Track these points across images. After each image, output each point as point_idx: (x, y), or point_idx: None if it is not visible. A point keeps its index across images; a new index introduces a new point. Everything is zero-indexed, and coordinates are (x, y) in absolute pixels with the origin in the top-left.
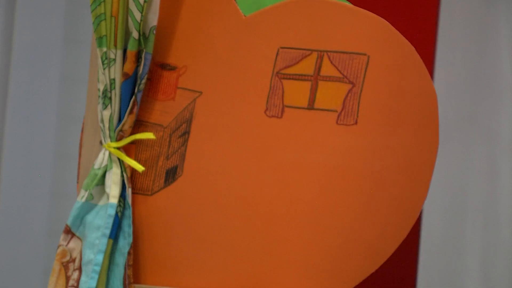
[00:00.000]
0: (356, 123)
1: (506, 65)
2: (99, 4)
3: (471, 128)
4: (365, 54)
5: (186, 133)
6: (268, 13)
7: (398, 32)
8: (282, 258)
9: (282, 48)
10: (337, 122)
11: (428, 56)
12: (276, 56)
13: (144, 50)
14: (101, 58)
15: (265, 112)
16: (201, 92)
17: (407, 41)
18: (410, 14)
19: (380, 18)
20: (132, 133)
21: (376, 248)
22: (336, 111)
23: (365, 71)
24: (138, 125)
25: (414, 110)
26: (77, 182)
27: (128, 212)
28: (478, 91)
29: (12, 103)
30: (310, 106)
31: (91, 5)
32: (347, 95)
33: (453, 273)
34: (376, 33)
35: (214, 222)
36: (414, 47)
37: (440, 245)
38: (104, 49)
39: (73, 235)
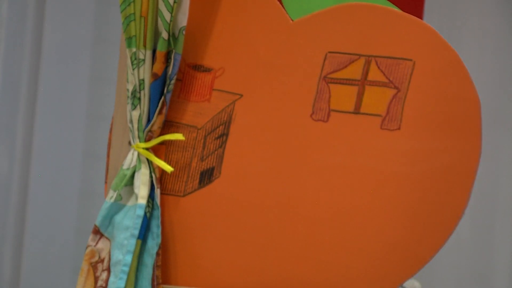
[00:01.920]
0: (399, 128)
1: None
2: (129, 4)
3: (499, 129)
4: (411, 60)
5: (224, 135)
6: (317, 18)
7: (443, 38)
8: (321, 261)
9: (330, 52)
10: (381, 127)
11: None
12: (324, 60)
13: (174, 50)
14: (131, 58)
15: (311, 115)
16: (241, 95)
17: (451, 47)
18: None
19: (426, 24)
20: (162, 134)
21: (415, 254)
22: (381, 116)
23: (410, 76)
24: (169, 126)
25: (457, 116)
26: (105, 182)
27: (157, 213)
28: (507, 91)
29: (42, 102)
30: (356, 111)
31: (120, 5)
32: (391, 100)
33: (482, 274)
34: (422, 39)
35: (252, 224)
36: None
37: (470, 246)
38: (134, 49)
39: (101, 235)
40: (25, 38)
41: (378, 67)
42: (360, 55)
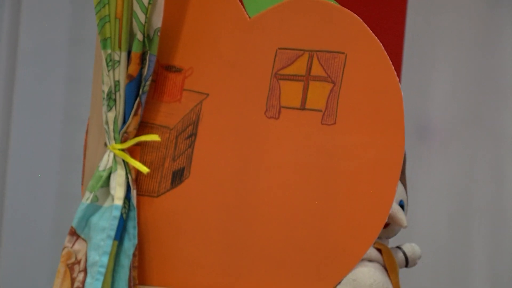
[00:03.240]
0: (335, 123)
1: (511, 65)
2: (103, 6)
3: (476, 128)
4: (343, 53)
5: (193, 135)
6: (269, 14)
7: (367, 27)
8: (274, 258)
9: (280, 49)
10: (321, 122)
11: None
12: (275, 57)
13: (149, 51)
14: (106, 60)
15: (265, 113)
16: (207, 94)
17: (376, 38)
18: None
19: (353, 14)
20: (137, 135)
21: (348, 249)
22: (321, 111)
23: (343, 70)
24: (144, 127)
25: (382, 109)
26: (82, 184)
27: (133, 214)
28: (483, 91)
29: (18, 104)
30: (302, 107)
31: (95, 7)
32: (329, 95)
33: (459, 273)
34: (351, 31)
35: (218, 223)
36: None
37: (446, 245)
38: (109, 51)
39: (78, 236)
40: (1, 41)
41: (319, 62)
42: (304, 50)
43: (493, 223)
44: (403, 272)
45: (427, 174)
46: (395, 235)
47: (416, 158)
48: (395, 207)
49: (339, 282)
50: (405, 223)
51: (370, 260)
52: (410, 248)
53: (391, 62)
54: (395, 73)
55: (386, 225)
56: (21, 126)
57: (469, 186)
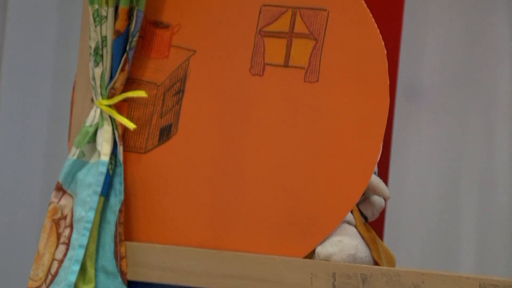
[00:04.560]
0: (317, 80)
1: (503, 27)
2: None
3: (467, 91)
4: (325, 10)
5: (180, 91)
6: None
7: None
8: (256, 215)
9: (264, 5)
10: (304, 80)
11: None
12: (259, 14)
13: (136, 7)
14: (93, 15)
15: (249, 70)
16: (195, 51)
17: None
18: None
19: None
20: (124, 91)
21: (333, 208)
22: (304, 68)
23: (326, 27)
24: (131, 83)
25: (365, 67)
26: (69, 140)
27: (120, 170)
28: (475, 54)
29: (6, 62)
30: (286, 64)
31: None
32: (312, 52)
33: (449, 236)
34: None
35: (205, 179)
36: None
37: (437, 209)
38: (96, 6)
39: (64, 192)
40: None
41: (302, 19)
42: (287, 7)
43: (483, 187)
44: (392, 235)
45: (418, 137)
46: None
47: (406, 120)
48: (376, 179)
49: (322, 242)
50: (388, 193)
51: (348, 222)
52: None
53: (374, 21)
54: (379, 31)
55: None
56: (10, 84)
57: (459, 149)
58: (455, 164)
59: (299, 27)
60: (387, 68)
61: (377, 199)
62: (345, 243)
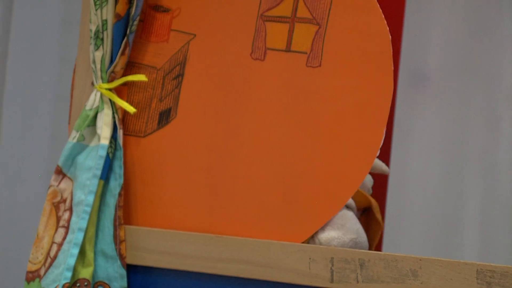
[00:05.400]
0: (320, 65)
1: (508, 12)
2: None
3: (470, 76)
4: None
5: (180, 75)
6: None
7: None
8: (260, 201)
9: None
10: (306, 64)
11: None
12: None
13: None
14: None
15: (250, 54)
16: (195, 35)
17: None
18: None
19: None
20: (124, 75)
21: (335, 191)
22: (306, 53)
23: (329, 12)
24: (131, 67)
25: (368, 52)
26: (69, 123)
27: (119, 154)
28: (479, 39)
29: (13, 48)
30: (288, 49)
31: None
32: (314, 37)
33: (452, 225)
34: None
35: (204, 164)
36: None
37: (440, 194)
38: None
39: (64, 175)
40: None
41: (305, 3)
42: None
43: (486, 172)
44: (396, 221)
45: (421, 122)
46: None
47: (409, 106)
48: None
49: (324, 227)
50: (387, 168)
51: (347, 206)
52: (379, 165)
53: (378, 6)
54: (383, 15)
55: None
56: (16, 69)
57: (462, 135)
58: (458, 149)
59: (302, 12)
60: (391, 52)
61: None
62: (347, 227)
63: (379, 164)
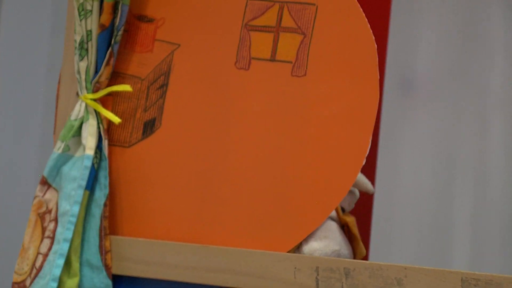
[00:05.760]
0: (305, 74)
1: (498, 19)
2: None
3: (461, 83)
4: (314, 4)
5: (164, 85)
6: None
7: None
8: (248, 208)
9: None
10: (291, 74)
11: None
12: (245, 7)
13: (121, 1)
14: (78, 9)
15: (235, 64)
16: (179, 45)
17: None
18: None
19: None
20: (109, 85)
21: (323, 199)
22: (291, 63)
23: (314, 21)
24: (116, 77)
25: (354, 60)
26: (54, 133)
27: (105, 164)
28: (469, 45)
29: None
30: (272, 58)
31: None
32: (299, 46)
33: (442, 230)
34: None
35: (189, 173)
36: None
37: (430, 201)
38: (81, 0)
39: (49, 186)
40: None
41: (289, 13)
42: (274, 1)
43: (477, 180)
44: (381, 234)
45: (410, 130)
46: (350, 207)
47: (400, 113)
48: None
49: (307, 238)
50: (372, 188)
51: (331, 218)
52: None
53: (364, 15)
54: (368, 25)
55: None
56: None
57: (453, 142)
58: (449, 158)
59: (287, 22)
60: (377, 60)
61: (352, 189)
62: (330, 239)
63: (365, 182)
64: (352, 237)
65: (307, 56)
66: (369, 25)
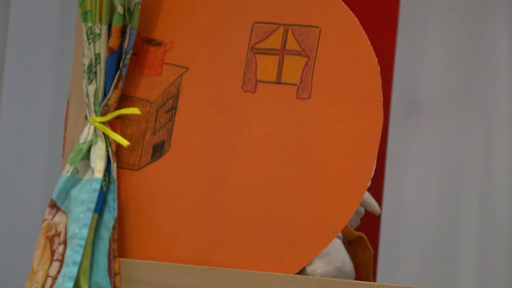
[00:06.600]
0: (310, 97)
1: (503, 39)
2: None
3: (467, 104)
4: (317, 27)
5: (173, 108)
6: None
7: (344, 4)
8: (255, 232)
9: (256, 23)
10: (296, 96)
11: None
12: (251, 31)
13: (129, 25)
14: (86, 33)
15: (242, 87)
16: (187, 68)
17: (351, 13)
18: None
19: None
20: (118, 108)
21: (327, 222)
22: (296, 85)
23: (317, 44)
24: (124, 100)
25: (358, 83)
26: (63, 156)
27: (113, 187)
28: (475, 66)
29: (8, 79)
30: (278, 81)
31: None
32: (304, 69)
33: (449, 249)
34: (326, 5)
35: (198, 196)
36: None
37: (436, 221)
38: (89, 24)
39: (58, 209)
40: None
41: (294, 36)
42: (279, 24)
43: (483, 200)
44: (394, 245)
45: (416, 150)
46: (357, 224)
47: (405, 134)
48: (365, 193)
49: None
50: (379, 209)
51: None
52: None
53: (367, 36)
54: (371, 47)
55: None
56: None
57: (459, 163)
58: (455, 178)
59: (291, 44)
60: (380, 82)
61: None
62: (332, 256)
63: (372, 204)
64: (366, 251)
65: (311, 79)
66: (372, 48)
